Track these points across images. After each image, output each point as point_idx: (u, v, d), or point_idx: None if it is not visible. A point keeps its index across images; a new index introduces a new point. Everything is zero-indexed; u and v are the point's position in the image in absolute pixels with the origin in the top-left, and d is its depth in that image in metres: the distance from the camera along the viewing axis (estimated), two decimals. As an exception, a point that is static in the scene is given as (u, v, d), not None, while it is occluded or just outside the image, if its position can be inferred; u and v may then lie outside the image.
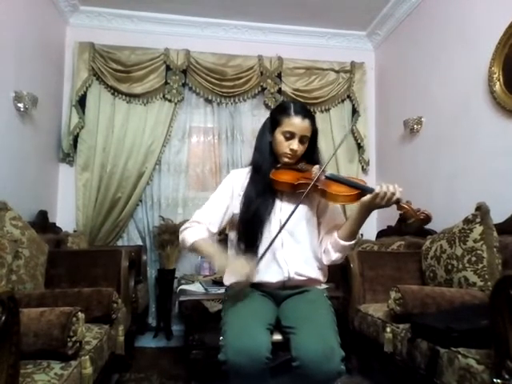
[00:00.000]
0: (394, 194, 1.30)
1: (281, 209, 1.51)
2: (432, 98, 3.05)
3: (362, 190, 1.37)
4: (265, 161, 1.54)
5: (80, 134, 3.46)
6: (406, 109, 3.37)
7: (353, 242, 1.45)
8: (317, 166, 1.50)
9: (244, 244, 1.49)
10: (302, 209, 1.51)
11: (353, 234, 1.43)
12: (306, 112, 1.52)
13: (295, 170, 1.51)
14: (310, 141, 1.55)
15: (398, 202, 1.32)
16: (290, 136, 1.49)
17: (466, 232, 2.11)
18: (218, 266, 1.49)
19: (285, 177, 1.48)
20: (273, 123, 1.55)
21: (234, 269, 1.38)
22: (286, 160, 1.53)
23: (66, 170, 3.53)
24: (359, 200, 1.37)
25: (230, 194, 1.56)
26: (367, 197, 1.34)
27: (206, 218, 1.52)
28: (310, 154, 1.57)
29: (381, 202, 1.31)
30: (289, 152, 1.50)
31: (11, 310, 1.01)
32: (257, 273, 1.44)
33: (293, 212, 1.39)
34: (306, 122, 1.50)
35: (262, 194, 1.48)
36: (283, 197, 1.53)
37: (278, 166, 1.54)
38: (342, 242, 1.43)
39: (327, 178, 1.46)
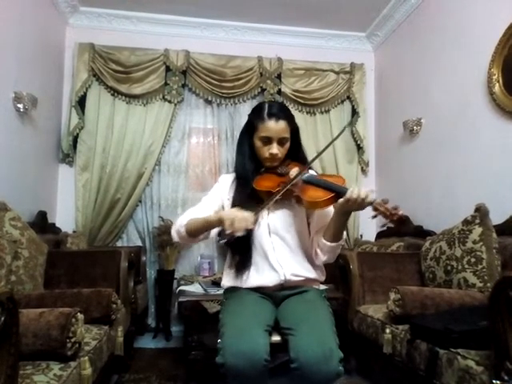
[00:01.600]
0: (363, 198, 1.28)
1: (268, 213, 1.50)
2: (432, 100, 3.05)
3: (337, 193, 1.34)
4: (246, 167, 1.53)
5: (80, 135, 3.46)
6: (406, 110, 3.37)
7: (340, 242, 1.44)
8: (295, 169, 1.47)
9: (236, 250, 1.49)
10: (292, 212, 1.51)
11: (337, 235, 1.42)
12: (281, 113, 1.48)
13: (276, 175, 1.50)
14: (292, 139, 1.53)
15: (370, 204, 1.29)
16: (267, 141, 1.47)
17: (466, 233, 2.11)
18: (216, 219, 1.35)
19: (266, 184, 1.47)
20: (250, 128, 1.53)
21: (231, 214, 1.29)
22: (268, 164, 1.52)
23: (65, 171, 3.53)
24: (336, 202, 1.35)
25: (220, 196, 1.57)
26: (340, 201, 1.32)
27: (199, 212, 1.49)
28: (295, 151, 1.56)
29: (353, 205, 1.29)
30: (269, 156, 1.49)
31: (10, 311, 1.01)
32: (250, 278, 1.46)
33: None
34: (282, 124, 1.46)
35: (247, 201, 1.46)
36: None
37: (262, 170, 1.53)
38: (329, 244, 1.42)
39: (304, 181, 1.43)
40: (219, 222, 1.33)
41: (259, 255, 1.47)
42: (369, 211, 1.32)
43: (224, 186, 1.59)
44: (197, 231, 1.45)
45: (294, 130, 1.54)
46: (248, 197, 1.47)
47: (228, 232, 1.27)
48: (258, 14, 3.64)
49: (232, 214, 1.30)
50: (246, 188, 1.49)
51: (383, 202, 1.29)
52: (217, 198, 1.57)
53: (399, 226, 1.33)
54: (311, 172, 1.52)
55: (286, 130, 1.48)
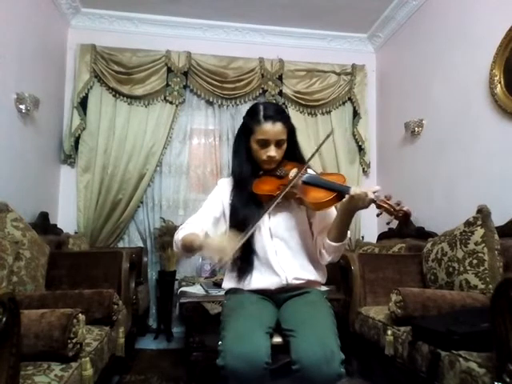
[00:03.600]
0: (366, 194, 1.27)
1: (269, 216, 1.48)
2: (433, 101, 3.05)
3: (339, 192, 1.34)
4: (243, 170, 1.51)
5: (81, 136, 3.47)
6: (407, 111, 3.37)
7: (344, 241, 1.43)
8: (294, 170, 1.45)
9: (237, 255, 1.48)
10: (292, 214, 1.50)
11: (342, 234, 1.41)
12: (277, 115, 1.46)
13: (275, 177, 1.48)
14: (289, 139, 1.51)
15: (372, 200, 1.28)
16: (264, 144, 1.45)
17: (467, 235, 2.11)
18: (196, 246, 1.28)
19: (265, 187, 1.45)
20: (246, 131, 1.51)
21: (211, 244, 1.24)
22: (266, 166, 1.50)
23: (67, 172, 3.54)
24: (340, 201, 1.35)
25: (220, 200, 1.55)
26: (344, 200, 1.32)
27: (199, 219, 1.49)
28: (292, 151, 1.54)
29: (358, 202, 1.29)
30: (266, 159, 1.47)
31: (12, 312, 1.01)
32: (252, 281, 1.45)
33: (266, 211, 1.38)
34: (278, 126, 1.44)
35: (247, 204, 1.45)
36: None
37: (260, 173, 1.52)
38: (334, 244, 1.41)
39: (304, 182, 1.42)
40: (200, 250, 1.28)
41: (261, 259, 1.46)
42: (372, 210, 1.32)
43: (225, 190, 1.56)
44: (186, 250, 1.37)
45: (291, 131, 1.51)
46: (247, 201, 1.46)
47: (213, 263, 1.23)
48: (260, 16, 3.65)
49: (211, 243, 1.24)
50: (244, 192, 1.48)
51: (386, 198, 1.28)
52: (217, 203, 1.54)
53: (405, 222, 1.33)
54: (310, 172, 1.50)
55: (283, 132, 1.46)
